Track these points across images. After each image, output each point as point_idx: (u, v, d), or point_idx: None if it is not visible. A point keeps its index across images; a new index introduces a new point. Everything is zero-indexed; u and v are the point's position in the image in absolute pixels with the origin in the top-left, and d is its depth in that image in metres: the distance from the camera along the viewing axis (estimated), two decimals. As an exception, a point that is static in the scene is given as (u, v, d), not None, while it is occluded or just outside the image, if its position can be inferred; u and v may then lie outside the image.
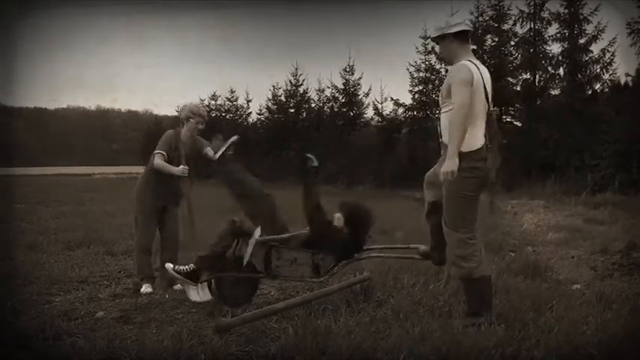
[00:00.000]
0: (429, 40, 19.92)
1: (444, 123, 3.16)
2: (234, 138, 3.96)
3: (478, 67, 3.11)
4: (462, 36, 3.18)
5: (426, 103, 19.84)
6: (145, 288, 4.12)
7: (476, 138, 3.06)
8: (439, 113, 3.24)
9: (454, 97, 3.00)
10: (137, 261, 4.27)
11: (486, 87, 3.12)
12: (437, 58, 19.54)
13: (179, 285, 4.02)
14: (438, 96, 19.87)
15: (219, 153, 3.86)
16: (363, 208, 3.84)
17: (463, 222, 3.12)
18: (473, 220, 3.16)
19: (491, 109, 3.15)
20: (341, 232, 3.68)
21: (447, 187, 3.13)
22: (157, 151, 4.16)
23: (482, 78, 3.09)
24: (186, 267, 3.63)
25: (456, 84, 3.01)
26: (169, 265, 3.69)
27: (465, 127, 2.97)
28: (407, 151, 19.84)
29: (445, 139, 3.13)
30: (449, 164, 2.98)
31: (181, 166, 4.11)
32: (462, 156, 3.01)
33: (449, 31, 3.15)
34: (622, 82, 16.40)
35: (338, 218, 3.74)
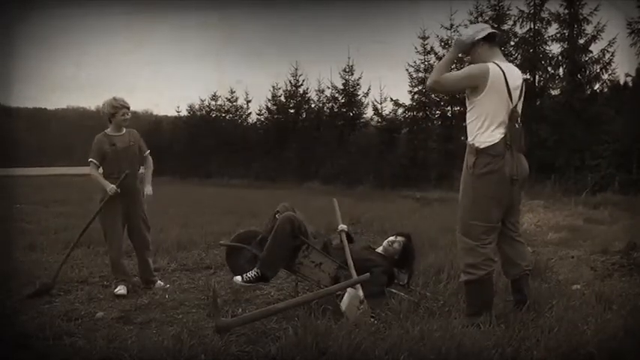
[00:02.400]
0: (429, 40, 19.97)
1: (467, 122, 3.17)
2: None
3: (502, 69, 3.06)
4: (489, 39, 3.18)
5: (426, 104, 19.83)
6: (120, 289, 4.14)
7: (493, 134, 3.04)
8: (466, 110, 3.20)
9: (457, 73, 3.06)
10: (111, 264, 4.31)
11: (510, 87, 3.06)
12: (437, 58, 19.54)
13: (160, 283, 4.39)
14: (437, 96, 19.85)
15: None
16: (413, 250, 3.94)
17: (476, 227, 3.08)
18: (488, 225, 3.10)
19: (515, 109, 3.14)
20: (387, 259, 3.79)
21: (462, 187, 3.13)
22: (89, 160, 4.18)
23: (505, 79, 3.05)
24: (253, 273, 3.64)
25: (463, 70, 3.08)
26: (238, 278, 3.66)
27: (434, 83, 3.05)
28: (407, 151, 19.83)
29: (469, 138, 3.13)
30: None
31: (111, 186, 4.09)
32: (478, 153, 3.03)
33: (478, 37, 3.14)
34: (622, 82, 16.41)
35: (395, 241, 3.86)
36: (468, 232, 3.10)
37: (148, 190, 4.38)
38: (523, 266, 3.28)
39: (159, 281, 4.42)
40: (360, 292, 3.32)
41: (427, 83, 3.15)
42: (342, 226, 4.02)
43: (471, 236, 3.09)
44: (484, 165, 3.04)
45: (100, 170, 4.21)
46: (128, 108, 4.29)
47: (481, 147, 3.05)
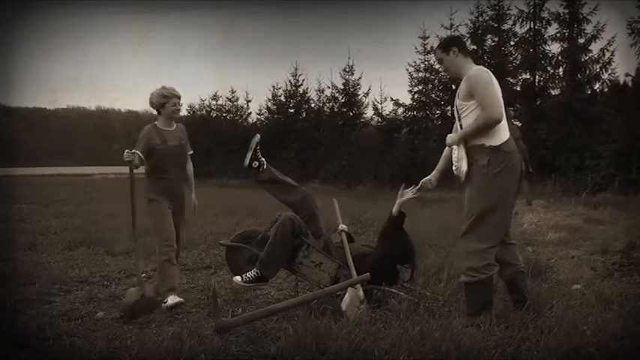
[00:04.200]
0: (429, 40, 19.97)
1: (466, 126, 3.16)
2: (258, 138, 3.92)
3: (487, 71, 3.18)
4: (463, 46, 3.28)
5: (426, 103, 19.83)
6: (171, 300, 3.69)
7: (502, 133, 3.09)
8: (459, 119, 3.22)
9: (485, 99, 3.04)
10: (160, 268, 3.80)
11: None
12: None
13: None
14: (437, 96, 19.86)
15: (248, 158, 3.88)
16: (413, 247, 3.87)
17: (491, 229, 3.07)
18: (501, 226, 3.12)
19: (507, 109, 3.23)
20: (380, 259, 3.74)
21: (474, 191, 3.10)
22: (132, 151, 3.70)
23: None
24: (253, 273, 3.64)
25: (484, 86, 3.07)
26: (237, 279, 3.65)
27: (495, 119, 3.03)
28: (407, 151, 19.82)
29: (476, 140, 3.10)
30: (452, 138, 3.14)
31: (125, 151, 3.56)
32: (491, 152, 3.04)
33: (454, 51, 3.22)
34: (622, 81, 16.41)
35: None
36: (480, 235, 3.07)
37: (194, 200, 4.04)
38: (517, 266, 3.30)
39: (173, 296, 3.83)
40: (361, 292, 3.32)
41: (495, 117, 3.03)
42: (343, 226, 4.03)
43: (481, 239, 3.07)
44: (499, 163, 3.04)
45: (140, 169, 3.74)
46: (179, 97, 3.88)
47: (495, 145, 3.05)
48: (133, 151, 3.60)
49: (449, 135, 3.27)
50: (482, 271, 3.05)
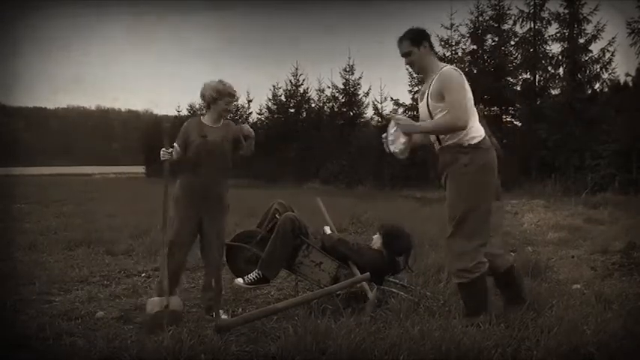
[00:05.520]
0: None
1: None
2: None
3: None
4: (430, 44, 3.20)
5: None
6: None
7: (478, 130, 3.09)
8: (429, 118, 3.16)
9: (453, 104, 2.98)
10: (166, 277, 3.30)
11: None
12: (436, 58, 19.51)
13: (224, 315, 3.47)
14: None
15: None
16: (403, 232, 3.85)
17: (474, 228, 3.06)
18: (485, 222, 3.12)
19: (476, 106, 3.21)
20: (377, 255, 3.74)
21: (456, 192, 3.08)
22: (172, 145, 3.48)
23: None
24: (254, 275, 3.64)
25: (456, 90, 3.01)
26: (239, 281, 3.62)
27: (458, 127, 3.01)
28: (407, 151, 19.78)
29: (448, 142, 3.09)
30: (410, 126, 3.08)
31: (162, 149, 3.36)
32: (471, 150, 3.03)
33: (423, 47, 3.14)
34: (622, 81, 16.42)
35: (376, 240, 3.79)
36: (467, 235, 3.07)
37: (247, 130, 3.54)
38: (503, 255, 3.29)
39: (223, 314, 3.45)
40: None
41: (459, 125, 3.01)
42: (327, 229, 4.07)
43: (469, 238, 3.07)
44: (479, 161, 3.04)
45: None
46: (234, 97, 3.56)
47: (473, 143, 3.04)
48: (169, 150, 3.37)
49: (404, 118, 3.20)
50: (474, 270, 3.05)
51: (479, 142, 3.06)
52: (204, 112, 3.67)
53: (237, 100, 3.63)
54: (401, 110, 20.90)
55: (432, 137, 3.22)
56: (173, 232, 3.44)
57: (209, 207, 3.47)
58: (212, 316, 3.41)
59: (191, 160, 3.45)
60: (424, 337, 2.69)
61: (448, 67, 3.12)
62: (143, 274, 4.79)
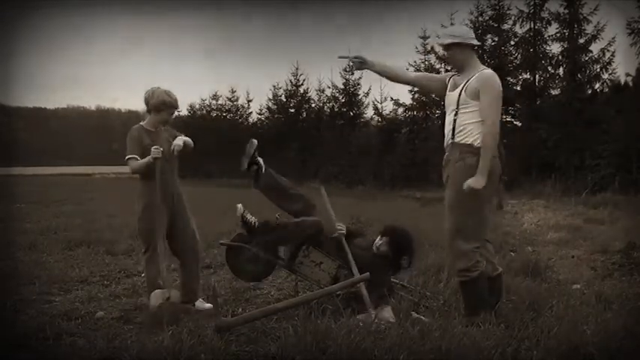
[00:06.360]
0: (429, 40, 19.97)
1: (462, 123, 3.13)
2: (255, 143, 3.86)
3: None
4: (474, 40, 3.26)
5: (426, 103, 19.84)
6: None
7: None
8: (455, 112, 3.18)
9: (491, 110, 3.05)
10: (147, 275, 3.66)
11: None
12: (436, 58, 19.54)
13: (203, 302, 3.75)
14: (437, 96, 19.74)
15: (246, 162, 3.83)
16: (407, 235, 3.80)
17: (472, 230, 3.09)
18: (483, 226, 3.15)
19: None
20: (381, 258, 3.70)
21: (457, 190, 3.07)
22: (127, 158, 3.59)
23: None
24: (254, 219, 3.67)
25: (493, 96, 3.07)
26: (239, 206, 3.66)
27: (497, 133, 3.06)
28: (407, 151, 19.83)
29: (461, 139, 3.12)
30: (480, 180, 2.98)
31: (153, 147, 3.47)
32: (478, 152, 3.03)
33: (470, 42, 3.19)
34: (622, 81, 16.42)
35: (381, 243, 3.74)
36: (466, 236, 3.09)
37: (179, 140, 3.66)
38: (494, 264, 3.30)
39: (200, 300, 3.79)
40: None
41: (496, 134, 3.06)
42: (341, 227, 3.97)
43: (468, 239, 3.08)
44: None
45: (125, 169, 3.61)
46: (176, 108, 3.74)
47: (478, 145, 3.06)
48: (161, 149, 3.50)
49: (475, 180, 3.01)
50: (472, 269, 3.09)
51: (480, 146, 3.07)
52: (145, 117, 3.78)
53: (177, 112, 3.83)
54: (401, 110, 20.92)
55: (447, 129, 3.23)
56: (147, 233, 3.56)
57: (172, 203, 3.66)
58: (194, 305, 3.67)
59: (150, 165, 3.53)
60: (424, 338, 2.69)
61: (491, 72, 3.17)
62: (143, 274, 4.79)
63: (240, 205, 3.68)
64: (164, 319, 3.03)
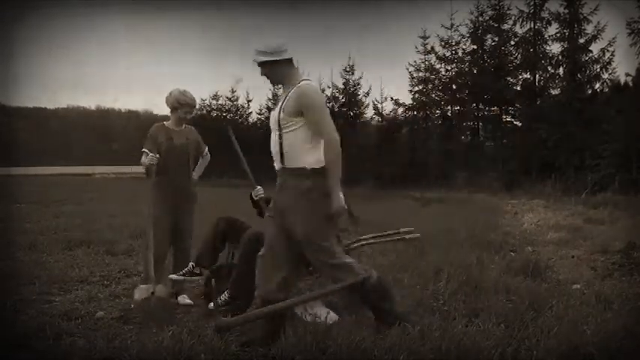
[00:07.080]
0: (429, 39, 19.96)
1: (289, 144, 2.86)
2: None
3: None
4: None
5: (426, 103, 19.84)
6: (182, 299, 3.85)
7: (321, 155, 2.84)
8: (279, 135, 2.89)
9: (322, 122, 2.79)
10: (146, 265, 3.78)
11: None
12: (436, 58, 19.56)
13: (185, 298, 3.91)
14: (437, 96, 19.71)
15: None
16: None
17: (334, 244, 2.95)
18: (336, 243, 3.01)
19: None
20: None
21: (299, 213, 2.83)
22: (142, 150, 3.85)
23: None
24: (186, 269, 3.76)
25: (317, 108, 2.82)
26: (172, 276, 3.76)
27: (339, 148, 2.79)
28: (407, 151, 19.83)
29: (291, 163, 2.87)
30: (340, 200, 2.78)
31: (150, 155, 3.74)
32: (314, 174, 2.81)
33: (282, 57, 2.91)
34: (622, 81, 16.43)
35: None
36: (332, 252, 2.93)
37: (195, 174, 4.15)
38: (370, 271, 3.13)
39: (184, 296, 3.95)
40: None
41: (338, 141, 2.79)
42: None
43: (335, 254, 2.95)
44: (322, 188, 2.80)
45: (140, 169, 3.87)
46: (193, 107, 4.01)
47: (317, 167, 2.82)
48: (157, 155, 3.77)
49: (332, 204, 2.78)
50: (357, 272, 2.98)
51: (322, 166, 2.82)
52: (169, 116, 4.05)
53: (195, 110, 4.08)
54: (401, 110, 20.90)
55: (273, 150, 2.97)
56: (152, 226, 3.75)
57: (180, 200, 3.94)
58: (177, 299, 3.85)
59: (161, 161, 3.82)
60: (424, 338, 2.69)
61: (307, 83, 2.91)
62: (143, 274, 4.79)
63: (172, 276, 3.76)
64: (149, 314, 3.20)
